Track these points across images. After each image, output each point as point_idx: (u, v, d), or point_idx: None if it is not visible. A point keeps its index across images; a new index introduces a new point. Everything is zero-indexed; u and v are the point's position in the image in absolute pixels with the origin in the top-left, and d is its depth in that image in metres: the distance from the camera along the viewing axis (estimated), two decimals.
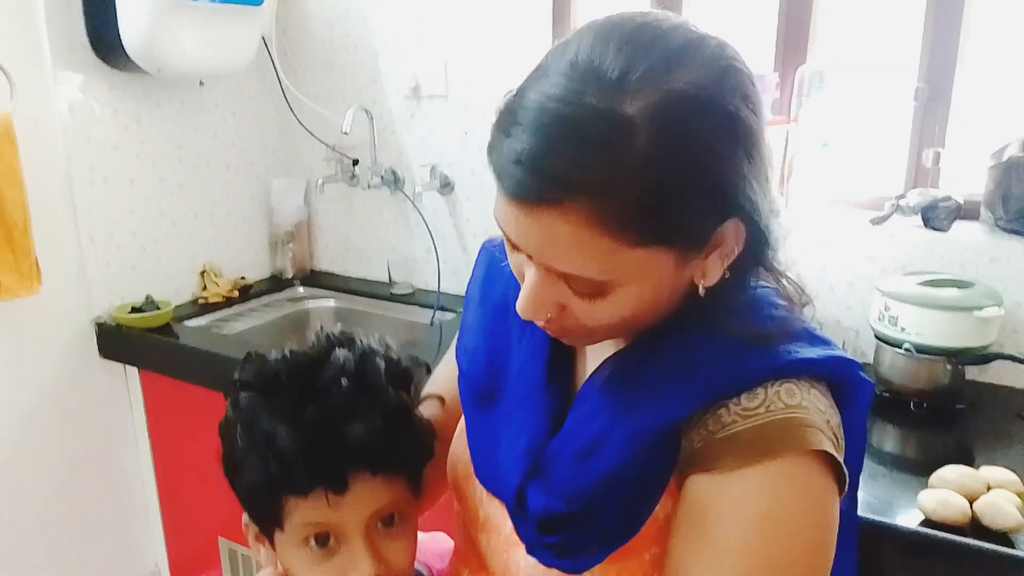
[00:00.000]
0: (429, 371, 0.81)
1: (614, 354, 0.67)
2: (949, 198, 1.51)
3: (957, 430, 1.37)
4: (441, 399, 0.84)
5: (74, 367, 1.91)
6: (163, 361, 1.89)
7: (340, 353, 0.72)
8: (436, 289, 2.04)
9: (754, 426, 0.58)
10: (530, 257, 0.59)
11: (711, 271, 0.60)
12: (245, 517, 0.77)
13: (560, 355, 0.72)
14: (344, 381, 0.69)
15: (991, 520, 1.04)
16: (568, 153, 0.52)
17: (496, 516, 0.72)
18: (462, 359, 0.80)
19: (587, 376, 0.68)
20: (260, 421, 0.69)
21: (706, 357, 0.62)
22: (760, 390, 0.59)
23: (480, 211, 2.04)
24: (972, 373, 1.47)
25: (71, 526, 1.97)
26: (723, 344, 0.61)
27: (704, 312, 0.62)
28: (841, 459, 0.60)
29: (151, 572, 2.18)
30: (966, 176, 1.59)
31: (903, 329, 1.39)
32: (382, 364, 0.73)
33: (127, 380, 2.02)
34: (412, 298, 2.14)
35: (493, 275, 0.80)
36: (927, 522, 1.06)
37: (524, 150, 0.53)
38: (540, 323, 0.63)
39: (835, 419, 0.62)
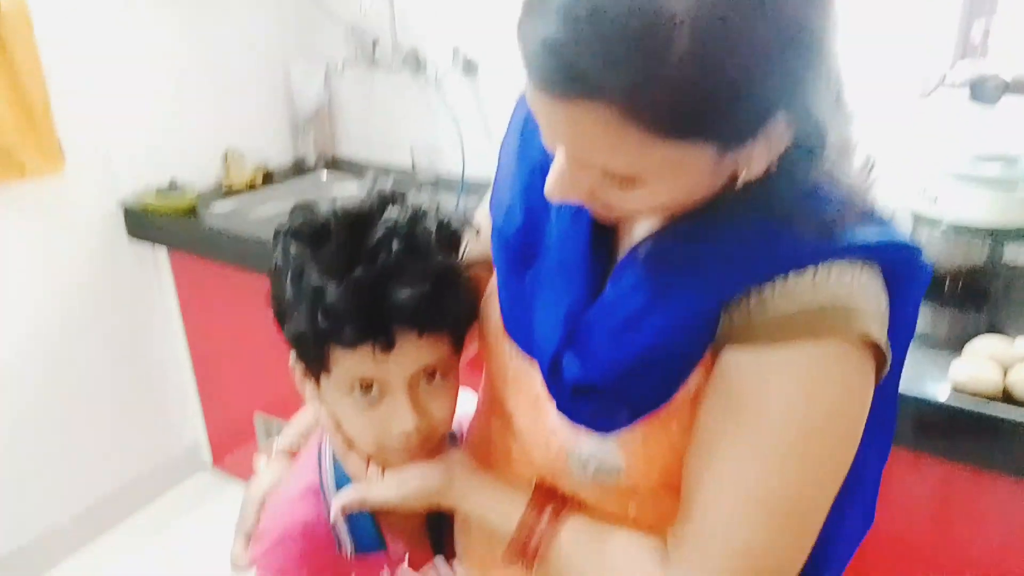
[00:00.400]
0: (477, 232, 0.79)
1: (659, 229, 0.64)
2: (997, 73, 1.44)
3: (991, 309, 1.35)
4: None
5: (104, 248, 1.93)
6: (192, 242, 1.91)
7: (392, 211, 0.71)
8: (460, 175, 2.01)
9: (799, 306, 0.56)
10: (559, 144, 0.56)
11: (755, 163, 0.55)
12: (292, 356, 0.78)
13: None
14: (395, 243, 0.69)
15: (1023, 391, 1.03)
16: (601, 50, 0.47)
17: (525, 373, 0.72)
18: (497, 214, 0.76)
19: (631, 246, 0.66)
20: (309, 274, 0.69)
21: (754, 235, 0.59)
22: (809, 270, 0.57)
23: (505, 95, 1.97)
24: (1010, 254, 1.44)
25: (110, 407, 2.04)
26: (774, 223, 0.58)
27: (759, 187, 0.58)
28: (887, 348, 0.59)
29: (190, 448, 2.27)
30: (1018, 51, 1.51)
31: (943, 206, 1.36)
32: (432, 225, 0.72)
33: (156, 261, 2.05)
34: (435, 185, 2.12)
35: (529, 132, 0.75)
36: (959, 392, 1.06)
37: (554, 39, 0.48)
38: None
39: (883, 305, 0.59)
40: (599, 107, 0.49)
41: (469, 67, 1.99)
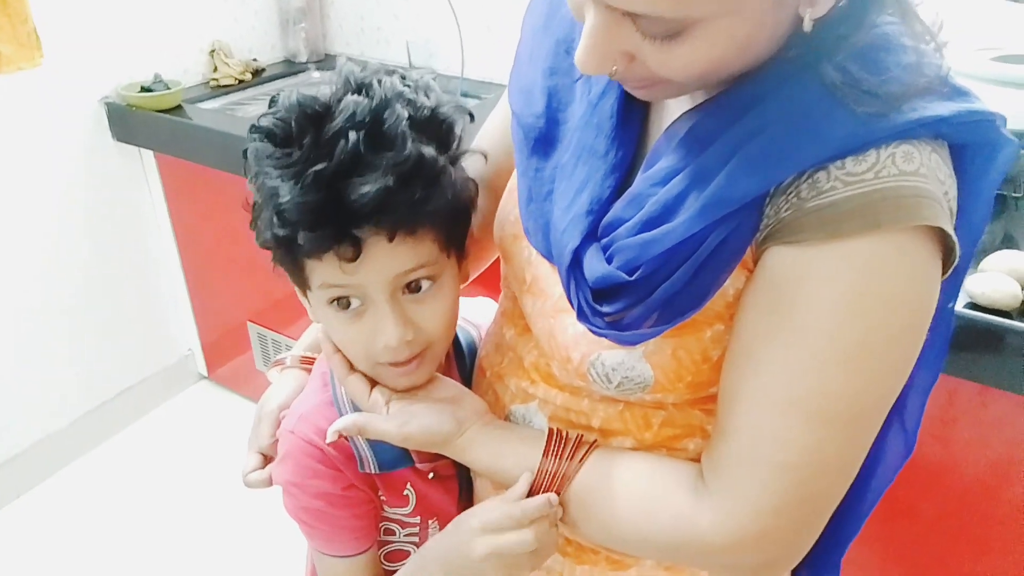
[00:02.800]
0: (472, 118, 0.71)
1: (696, 106, 0.57)
2: None
3: (1010, 219, 1.30)
4: (484, 155, 0.75)
5: (88, 149, 1.86)
6: (179, 144, 1.83)
7: (350, 100, 0.62)
8: (459, 74, 1.92)
9: (858, 193, 0.49)
10: None
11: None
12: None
13: (634, 101, 0.62)
14: (352, 135, 0.61)
15: None
16: None
17: (544, 279, 0.66)
18: (515, 99, 0.69)
19: (663, 130, 0.59)
20: (268, 175, 0.63)
21: (810, 111, 0.51)
22: (872, 152, 0.50)
23: None
24: None
25: (103, 313, 2.01)
26: (833, 95, 0.50)
27: (812, 53, 0.51)
28: (954, 238, 0.52)
29: (184, 355, 2.26)
30: None
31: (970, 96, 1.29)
32: (404, 112, 0.63)
33: (143, 163, 1.98)
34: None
35: (556, 4, 0.68)
36: (974, 306, 1.03)
37: None
38: (605, 77, 0.54)
39: (953, 190, 0.52)
40: None
41: None
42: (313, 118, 0.63)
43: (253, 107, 1.99)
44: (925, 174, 0.50)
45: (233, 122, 1.82)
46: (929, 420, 1.16)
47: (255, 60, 2.11)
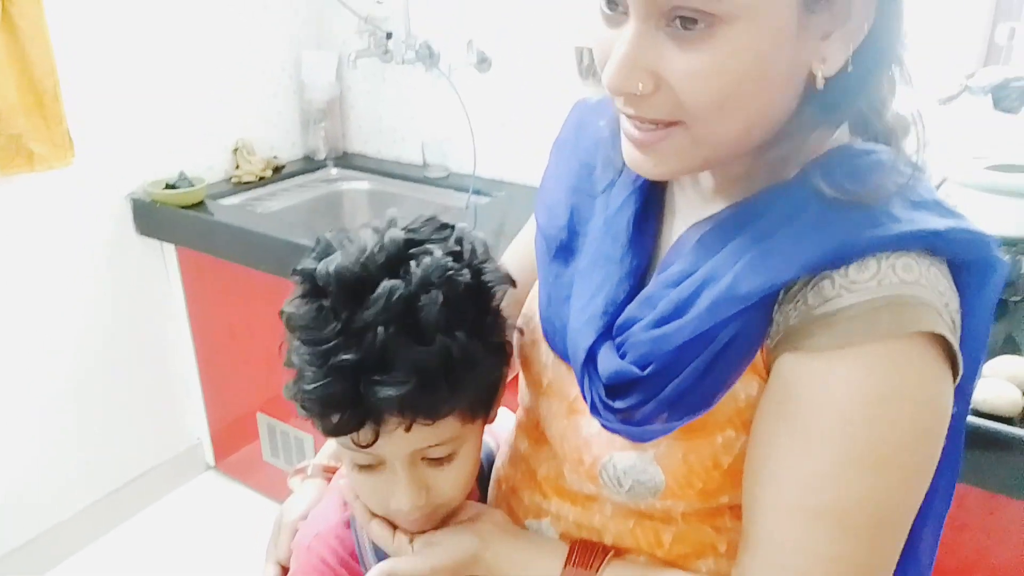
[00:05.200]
0: (514, 284, 0.71)
1: (709, 216, 0.61)
2: (1022, 77, 1.41)
3: (1011, 322, 1.32)
4: (513, 283, 0.74)
5: (112, 243, 1.92)
6: (200, 238, 1.89)
7: (387, 287, 0.62)
8: (472, 172, 1.99)
9: (862, 300, 0.52)
10: (627, 13, 0.53)
11: (832, 55, 0.52)
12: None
13: (649, 212, 0.66)
14: (381, 330, 0.60)
15: None
16: None
17: (561, 381, 0.68)
18: (541, 214, 0.74)
19: (675, 239, 0.63)
20: (297, 350, 0.64)
21: (813, 220, 0.54)
22: (872, 261, 0.52)
23: (519, 90, 1.96)
24: None
25: (115, 401, 2.03)
26: (833, 206, 0.54)
27: (813, 169, 0.55)
28: (956, 346, 0.54)
29: (194, 445, 2.26)
30: None
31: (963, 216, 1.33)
32: (441, 296, 0.62)
33: (164, 257, 2.04)
34: (447, 181, 2.10)
35: (583, 133, 0.74)
36: (976, 412, 1.04)
37: None
38: (628, 109, 0.55)
39: (954, 303, 0.55)
40: None
41: (483, 61, 1.96)
42: (348, 297, 0.62)
43: (272, 202, 2.06)
44: (925, 284, 0.52)
45: (252, 218, 1.88)
46: None
47: (276, 157, 2.19)
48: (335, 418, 0.63)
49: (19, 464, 1.86)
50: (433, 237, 0.68)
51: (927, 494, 0.56)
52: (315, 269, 0.64)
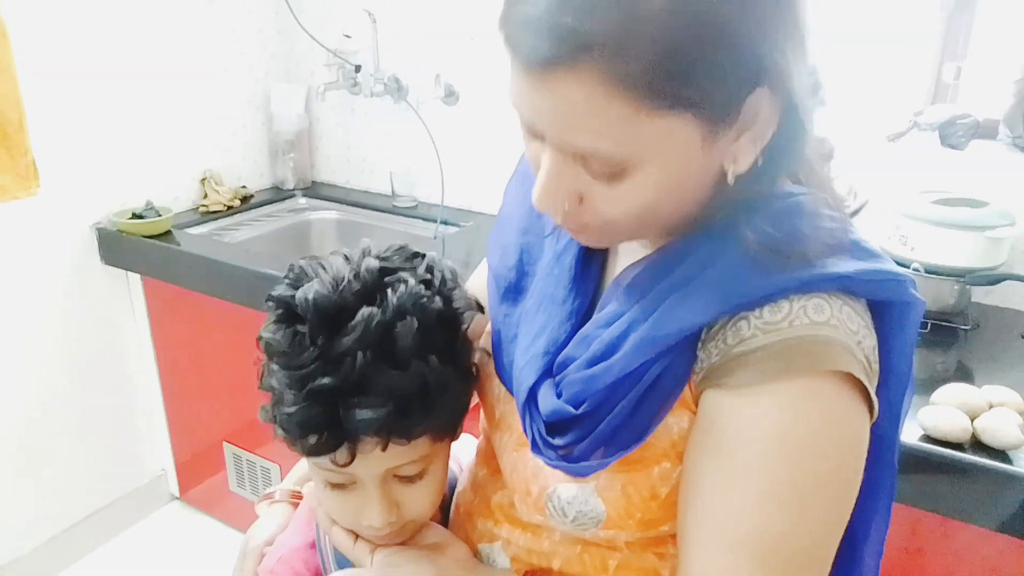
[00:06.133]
0: (482, 310, 0.75)
1: (642, 258, 0.63)
2: (968, 115, 1.47)
3: (960, 350, 1.37)
4: (483, 309, 0.78)
5: (76, 272, 1.90)
6: (165, 268, 1.88)
7: (365, 314, 0.64)
8: (440, 202, 2.01)
9: (774, 341, 0.54)
10: (544, 139, 0.56)
11: (742, 155, 0.55)
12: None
13: (593, 256, 0.69)
14: (360, 356, 0.63)
15: (991, 438, 1.04)
16: (579, 6, 0.48)
17: (511, 415, 0.70)
18: (492, 255, 0.77)
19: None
20: (275, 374, 0.66)
21: (731, 265, 0.57)
22: (784, 303, 0.55)
23: (485, 123, 1.99)
24: (978, 295, 1.46)
25: (78, 431, 2.00)
26: (751, 252, 0.57)
27: (735, 214, 0.58)
28: (871, 384, 0.57)
29: (158, 475, 2.23)
30: (988, 94, 1.55)
31: (913, 248, 1.38)
32: (415, 323, 0.65)
33: (129, 286, 2.02)
34: (415, 211, 2.12)
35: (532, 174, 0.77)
36: (927, 438, 1.07)
37: (537, 14, 0.50)
38: (557, 219, 0.60)
39: (869, 341, 0.57)
40: (582, 73, 0.49)
41: (450, 94, 2.00)
42: (326, 324, 0.64)
43: (240, 232, 2.05)
44: (836, 324, 0.55)
45: (219, 247, 1.88)
46: (895, 551, 1.18)
47: (244, 187, 2.19)
48: (313, 439, 0.64)
49: None
50: (405, 266, 0.70)
51: (866, 517, 0.59)
52: (291, 296, 0.66)
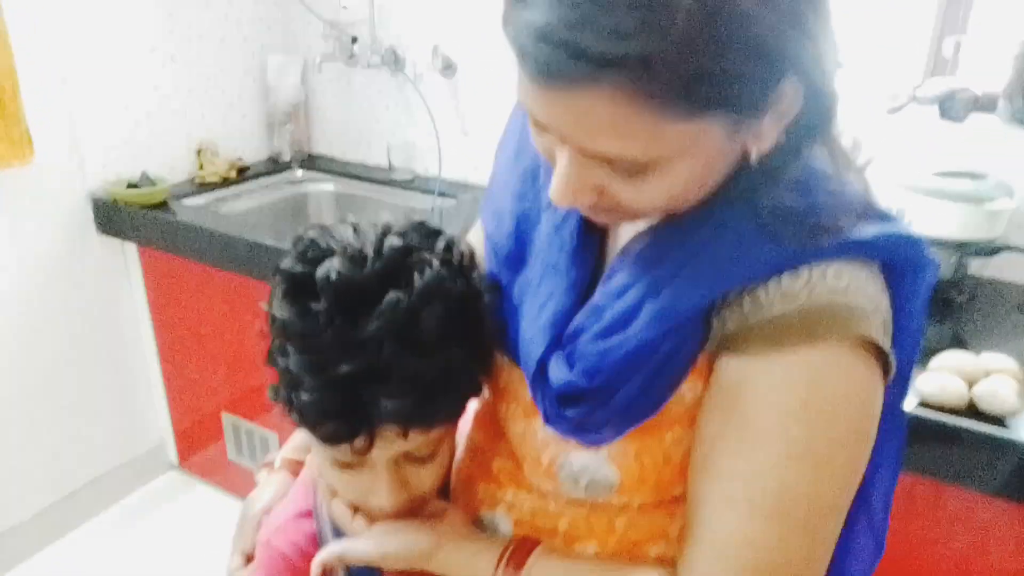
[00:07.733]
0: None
1: (650, 227, 0.62)
2: (967, 88, 1.47)
3: (957, 322, 1.38)
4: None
5: (72, 241, 1.89)
6: (162, 238, 1.87)
7: (391, 299, 0.61)
8: (437, 175, 2.00)
9: (794, 308, 0.54)
10: (562, 140, 0.53)
11: (766, 135, 0.54)
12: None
13: (593, 225, 0.67)
14: (387, 345, 0.60)
15: (988, 404, 1.06)
16: (606, 22, 0.45)
17: (517, 384, 0.69)
18: (488, 221, 0.75)
19: (619, 248, 0.64)
20: (290, 354, 0.63)
21: (748, 233, 0.57)
22: (804, 270, 0.55)
23: (483, 95, 1.98)
24: (975, 267, 1.47)
25: (76, 401, 2.00)
26: (767, 222, 0.56)
27: (754, 185, 0.57)
28: (888, 348, 0.57)
29: (156, 445, 2.24)
30: (988, 68, 1.55)
31: (911, 220, 1.38)
32: (439, 310, 0.62)
33: (126, 256, 2.02)
34: (412, 184, 2.11)
35: (527, 135, 0.73)
36: (925, 405, 1.08)
37: (548, 23, 0.46)
38: (578, 208, 0.58)
39: (884, 304, 0.58)
40: (605, 89, 0.47)
41: (448, 66, 1.98)
42: (346, 305, 0.61)
43: (236, 203, 2.05)
44: (855, 290, 0.55)
45: (215, 218, 1.87)
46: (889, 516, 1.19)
47: (240, 159, 2.18)
48: (331, 427, 0.63)
49: None
50: (425, 244, 0.67)
51: (875, 465, 0.60)
52: (305, 272, 0.63)
